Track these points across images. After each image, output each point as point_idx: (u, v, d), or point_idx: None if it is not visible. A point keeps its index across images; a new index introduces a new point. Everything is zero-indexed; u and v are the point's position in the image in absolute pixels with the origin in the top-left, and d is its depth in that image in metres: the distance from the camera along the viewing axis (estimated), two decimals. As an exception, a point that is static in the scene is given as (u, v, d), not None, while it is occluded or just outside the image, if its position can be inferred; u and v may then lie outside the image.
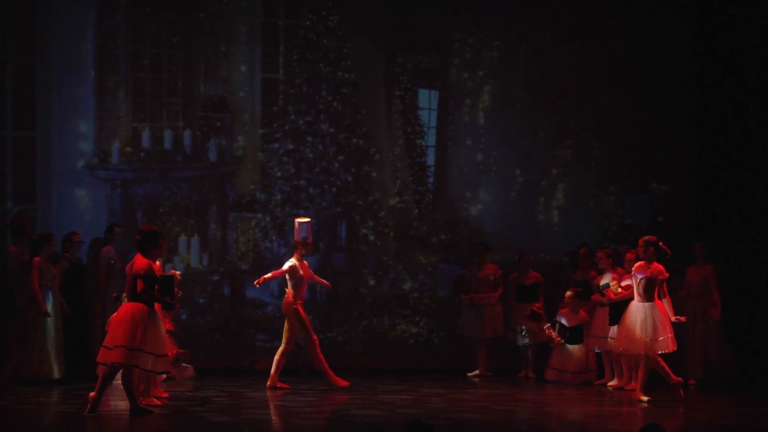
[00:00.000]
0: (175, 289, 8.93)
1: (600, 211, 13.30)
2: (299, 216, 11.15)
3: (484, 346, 12.30)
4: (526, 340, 12.08)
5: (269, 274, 10.89)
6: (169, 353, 9.27)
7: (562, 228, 13.28)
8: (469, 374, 12.23)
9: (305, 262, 10.94)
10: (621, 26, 13.37)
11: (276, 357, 10.83)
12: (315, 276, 11.17)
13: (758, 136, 12.74)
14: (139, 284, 8.63)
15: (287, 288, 10.87)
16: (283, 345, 10.87)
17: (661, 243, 9.93)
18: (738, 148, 12.90)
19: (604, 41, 13.35)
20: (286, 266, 10.84)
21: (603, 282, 10.89)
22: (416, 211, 13.28)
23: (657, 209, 13.24)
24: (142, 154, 12.83)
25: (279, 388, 10.69)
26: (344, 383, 10.84)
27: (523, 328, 12.08)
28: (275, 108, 13.12)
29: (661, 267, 9.87)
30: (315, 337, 10.91)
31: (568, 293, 11.67)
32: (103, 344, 8.67)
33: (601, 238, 12.83)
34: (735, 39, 12.92)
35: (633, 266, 10.08)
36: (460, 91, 13.37)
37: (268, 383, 10.74)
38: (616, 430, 8.72)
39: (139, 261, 8.73)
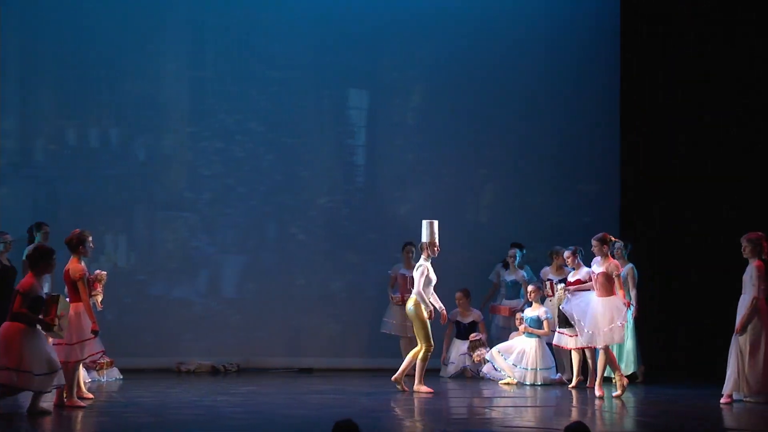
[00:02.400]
0: (56, 311, 8.77)
1: (528, 211, 13.42)
2: (427, 219, 10.86)
3: (411, 346, 12.35)
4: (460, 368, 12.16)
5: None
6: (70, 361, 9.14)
7: (490, 227, 13.37)
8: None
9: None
10: (546, 23, 13.50)
11: (418, 360, 10.56)
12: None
13: (683, 138, 12.98)
14: (18, 301, 8.54)
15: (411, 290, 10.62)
16: (425, 346, 10.56)
17: (612, 237, 10.64)
18: (662, 150, 13.13)
19: (529, 42, 13.48)
20: (419, 271, 10.52)
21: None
22: (346, 210, 13.27)
23: (583, 210, 13.41)
24: (67, 152, 12.65)
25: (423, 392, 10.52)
26: (429, 390, 10.62)
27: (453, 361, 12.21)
28: (204, 107, 13.02)
29: (616, 262, 10.55)
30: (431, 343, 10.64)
31: (458, 294, 12.20)
32: None
33: (529, 238, 12.93)
34: (660, 42, 13.15)
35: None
36: (390, 90, 13.40)
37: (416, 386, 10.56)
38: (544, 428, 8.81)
39: (26, 279, 8.71)
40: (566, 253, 11.33)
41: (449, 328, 12.34)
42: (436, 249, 10.62)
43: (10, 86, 12.51)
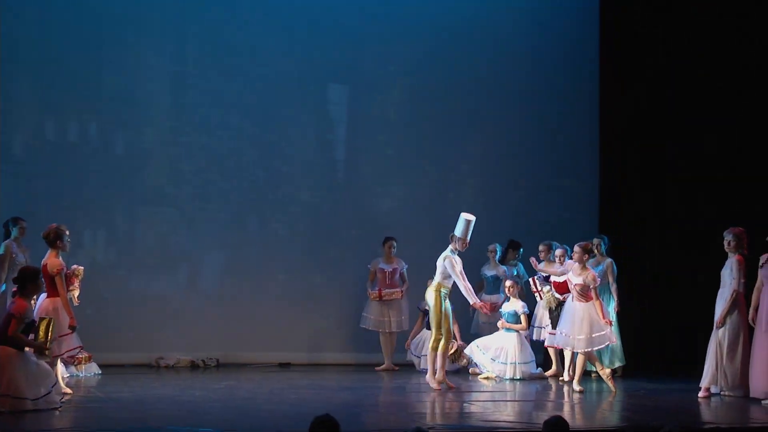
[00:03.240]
0: (49, 334, 8.76)
1: (509, 207, 13.44)
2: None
3: (390, 340, 12.37)
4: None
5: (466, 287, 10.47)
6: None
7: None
8: (376, 368, 12.28)
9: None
10: (527, 18, 13.55)
11: (439, 353, 10.50)
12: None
13: (661, 134, 13.02)
14: (12, 325, 8.49)
15: (436, 281, 10.49)
16: (444, 339, 10.50)
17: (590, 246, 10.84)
18: (641, 146, 13.17)
19: (510, 39, 13.51)
20: (452, 263, 10.35)
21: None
22: (327, 205, 13.25)
23: (563, 205, 13.44)
24: (46, 146, 12.57)
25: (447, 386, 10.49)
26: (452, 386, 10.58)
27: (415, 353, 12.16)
28: (185, 101, 12.98)
29: (594, 274, 10.57)
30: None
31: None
32: None
33: (511, 233, 12.95)
34: (641, 40, 13.19)
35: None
36: (372, 86, 13.39)
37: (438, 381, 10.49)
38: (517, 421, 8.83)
39: (20, 303, 8.64)
40: (540, 247, 11.45)
41: (420, 318, 12.35)
42: (465, 244, 10.49)
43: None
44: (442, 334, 10.51)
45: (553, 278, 11.25)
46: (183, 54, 13.05)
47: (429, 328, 12.20)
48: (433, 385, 10.49)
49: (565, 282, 10.93)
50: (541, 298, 11.57)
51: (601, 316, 10.40)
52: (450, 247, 10.52)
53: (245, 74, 13.06)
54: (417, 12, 13.44)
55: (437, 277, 10.51)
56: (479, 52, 13.49)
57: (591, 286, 10.42)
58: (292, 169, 13.20)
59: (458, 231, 10.51)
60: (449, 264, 10.41)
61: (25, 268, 9.15)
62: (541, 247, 11.62)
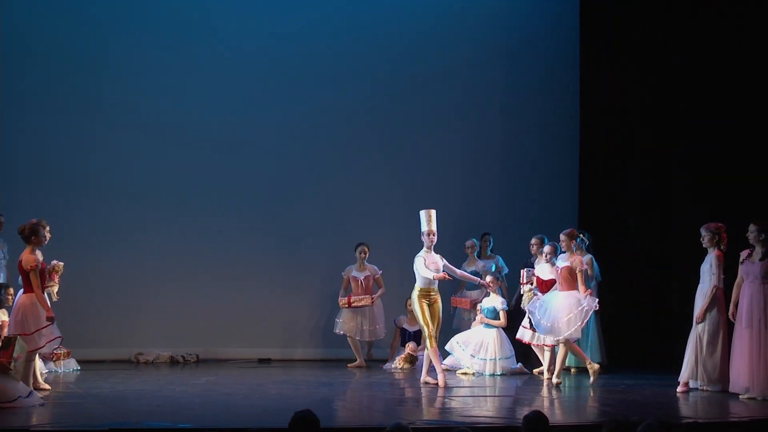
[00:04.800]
0: (12, 352, 8.72)
1: (487, 204, 13.47)
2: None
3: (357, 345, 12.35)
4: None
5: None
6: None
7: (459, 217, 13.33)
8: (348, 365, 12.26)
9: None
10: (507, 13, 13.61)
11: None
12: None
13: (643, 130, 13.06)
14: None
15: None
16: (432, 336, 10.35)
17: (581, 235, 10.94)
18: (621, 141, 13.21)
19: (491, 33, 13.56)
20: (418, 263, 10.30)
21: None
22: (304, 199, 13.19)
23: (543, 201, 13.48)
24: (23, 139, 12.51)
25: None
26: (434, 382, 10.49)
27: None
28: (164, 96, 12.92)
29: (581, 258, 10.66)
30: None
31: (409, 301, 11.94)
32: None
33: (490, 230, 12.97)
34: (620, 35, 13.22)
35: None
36: (349, 81, 13.36)
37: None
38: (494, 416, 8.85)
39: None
40: (533, 240, 11.48)
41: (396, 335, 12.33)
42: (430, 238, 10.43)
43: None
44: (432, 332, 10.38)
45: (538, 274, 11.14)
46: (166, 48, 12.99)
47: (403, 345, 12.24)
48: (433, 381, 10.42)
49: (549, 280, 10.92)
50: (525, 283, 11.49)
51: (581, 299, 10.40)
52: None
53: (219, 69, 12.99)
54: (394, 5, 13.42)
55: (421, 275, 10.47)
56: (458, 47, 13.49)
57: (577, 270, 10.46)
58: (270, 166, 13.14)
59: (421, 227, 10.49)
60: (415, 263, 10.42)
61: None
62: (533, 241, 11.59)
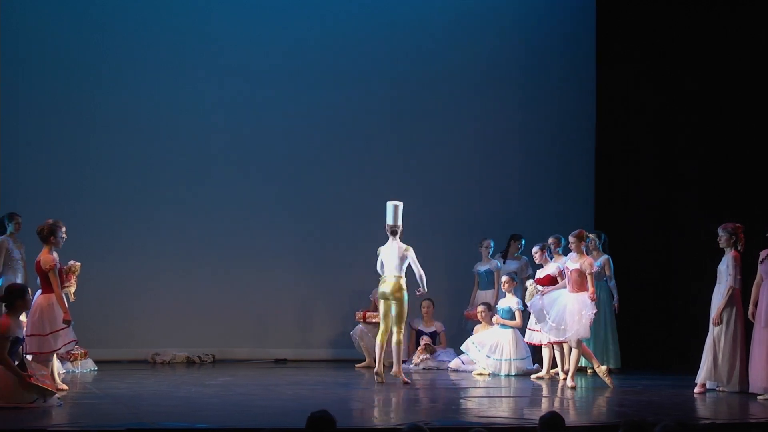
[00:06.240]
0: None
1: (501, 201, 13.46)
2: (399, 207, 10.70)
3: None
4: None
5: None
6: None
7: (466, 218, 13.35)
8: (357, 366, 12.24)
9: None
10: (524, 11, 13.59)
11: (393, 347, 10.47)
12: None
13: (660, 128, 13.02)
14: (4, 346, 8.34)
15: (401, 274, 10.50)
16: (393, 330, 10.44)
17: (589, 234, 10.86)
18: (637, 141, 13.17)
19: (504, 29, 13.58)
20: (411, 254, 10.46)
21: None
22: (319, 202, 13.20)
23: (557, 199, 13.45)
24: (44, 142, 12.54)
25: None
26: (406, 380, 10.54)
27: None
28: (169, 99, 12.94)
29: (590, 260, 10.57)
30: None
31: (424, 303, 12.27)
32: None
33: (505, 228, 12.95)
34: (637, 35, 13.18)
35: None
36: (356, 82, 13.36)
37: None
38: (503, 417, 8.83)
39: (3, 320, 8.47)
40: (534, 249, 11.36)
41: (412, 335, 12.33)
42: (394, 230, 10.53)
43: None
44: (402, 329, 10.49)
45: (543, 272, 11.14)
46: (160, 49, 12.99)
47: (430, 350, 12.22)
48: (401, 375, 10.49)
49: (546, 276, 10.91)
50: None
51: (589, 300, 10.32)
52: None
53: (220, 68, 12.99)
54: (413, 5, 13.42)
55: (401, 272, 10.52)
56: (475, 47, 13.49)
57: (587, 272, 10.36)
58: (291, 168, 13.14)
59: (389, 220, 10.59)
60: (412, 255, 10.51)
61: (12, 285, 9.12)
62: (551, 240, 11.58)
